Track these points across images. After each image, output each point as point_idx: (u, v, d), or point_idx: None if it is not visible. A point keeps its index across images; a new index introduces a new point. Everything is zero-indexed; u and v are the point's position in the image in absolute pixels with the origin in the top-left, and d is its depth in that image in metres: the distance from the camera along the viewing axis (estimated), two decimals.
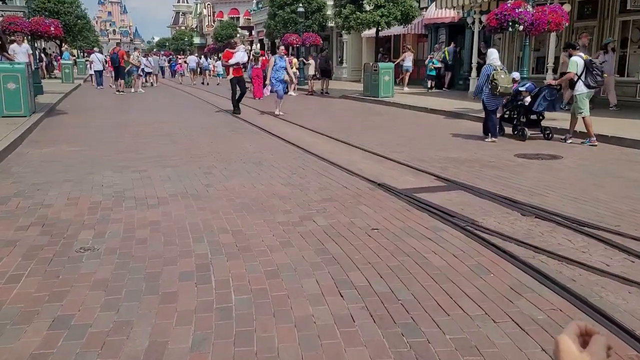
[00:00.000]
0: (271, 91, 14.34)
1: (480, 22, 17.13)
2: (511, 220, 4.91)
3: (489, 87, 9.05)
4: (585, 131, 9.05)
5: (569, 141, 9.21)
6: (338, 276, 3.61)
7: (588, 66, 8.82)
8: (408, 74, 21.60)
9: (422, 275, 3.64)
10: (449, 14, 21.00)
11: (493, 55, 9.30)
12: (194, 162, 7.64)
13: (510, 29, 11.78)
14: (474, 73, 17.27)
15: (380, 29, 18.99)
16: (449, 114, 13.68)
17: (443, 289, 3.42)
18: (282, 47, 15.15)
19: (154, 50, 55.91)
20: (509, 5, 11.64)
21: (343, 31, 21.93)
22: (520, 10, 11.49)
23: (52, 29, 15.59)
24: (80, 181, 6.39)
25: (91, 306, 3.16)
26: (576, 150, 8.70)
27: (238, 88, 13.83)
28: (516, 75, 10.31)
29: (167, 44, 77.91)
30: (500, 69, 9.09)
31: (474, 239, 4.36)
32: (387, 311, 3.11)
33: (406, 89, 20.94)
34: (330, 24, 29.49)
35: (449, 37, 23.05)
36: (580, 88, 8.88)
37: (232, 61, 13.84)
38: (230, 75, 13.96)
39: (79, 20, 30.98)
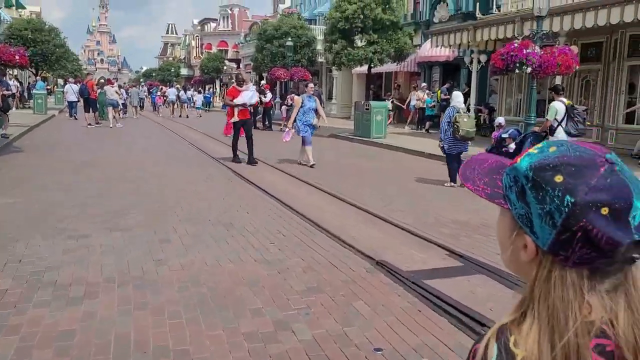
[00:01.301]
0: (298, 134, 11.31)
1: (479, 61, 16.23)
2: None
3: (451, 130, 8.67)
4: None
5: None
6: None
7: (569, 112, 8.36)
8: (411, 113, 20.90)
9: None
10: (443, 53, 20.17)
11: (458, 97, 8.97)
12: (152, 222, 6.27)
13: (517, 71, 10.74)
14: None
15: (372, 65, 17.99)
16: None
17: None
18: (310, 85, 12.11)
19: (132, 82, 55.03)
20: (516, 45, 10.63)
21: (334, 67, 20.93)
22: (528, 51, 10.49)
23: (16, 57, 14.29)
24: None
25: None
26: None
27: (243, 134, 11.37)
28: (501, 120, 9.89)
29: (153, 74, 77.05)
30: (464, 112, 8.80)
31: None
32: None
33: (406, 128, 20.31)
34: (320, 59, 28.71)
35: (443, 76, 22.21)
36: (560, 135, 8.36)
37: (238, 101, 11.20)
38: (235, 118, 11.25)
39: (57, 49, 29.73)
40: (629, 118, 13.60)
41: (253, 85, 11.72)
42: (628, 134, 13.27)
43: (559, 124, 8.39)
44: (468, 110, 17.53)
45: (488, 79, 19.82)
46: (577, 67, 11.15)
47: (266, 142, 16.45)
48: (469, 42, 15.39)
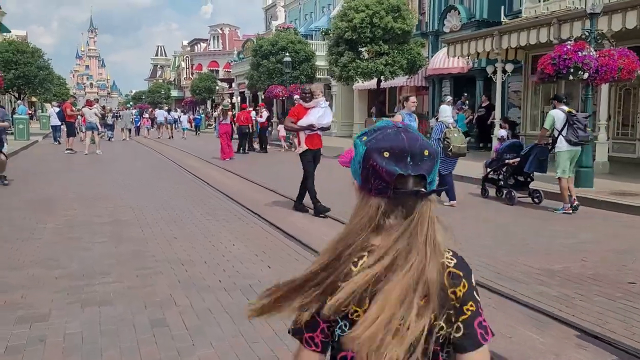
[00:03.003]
0: None
1: (504, 71, 14.67)
2: None
3: (441, 147, 8.14)
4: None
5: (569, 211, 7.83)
6: None
7: (569, 119, 7.86)
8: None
9: None
10: (456, 64, 18.66)
11: (446, 112, 8.50)
12: (138, 292, 4.47)
13: (570, 77, 9.13)
14: (497, 130, 14.65)
15: (384, 79, 16.39)
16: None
17: None
18: (412, 99, 8.61)
19: (121, 106, 53.50)
20: (569, 47, 9.03)
21: (341, 82, 19.27)
22: (584, 53, 8.89)
23: None
24: None
25: None
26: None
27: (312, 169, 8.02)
28: (503, 133, 9.61)
29: (143, 97, 75.36)
30: (454, 127, 8.36)
31: None
32: None
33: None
34: (319, 75, 27.18)
35: (454, 89, 20.68)
36: (561, 144, 7.94)
37: (303, 122, 7.76)
38: (303, 147, 7.87)
39: (40, 72, 27.97)
40: None
41: (323, 99, 8.10)
42: None
43: (560, 132, 7.92)
44: (491, 126, 16.00)
45: (506, 91, 18.32)
46: None
47: (282, 168, 14.79)
48: (493, 49, 13.84)
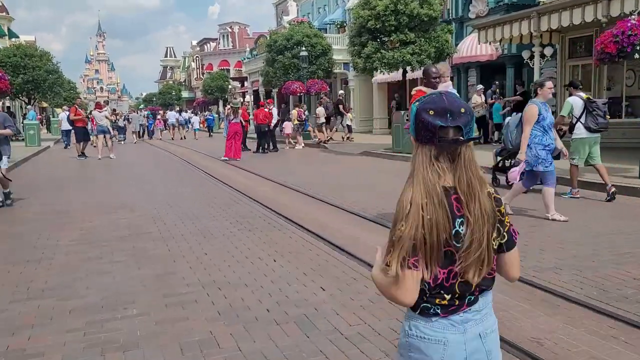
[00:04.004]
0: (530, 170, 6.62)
1: (542, 56, 13.64)
2: None
3: None
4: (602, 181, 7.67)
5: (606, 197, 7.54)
6: None
7: (588, 106, 7.62)
8: None
9: None
10: (484, 51, 17.63)
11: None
12: (170, 329, 3.63)
13: (636, 56, 8.14)
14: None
15: (412, 69, 15.42)
16: None
17: None
18: (548, 84, 6.42)
19: (132, 109, 53.12)
20: (633, 22, 8.04)
21: (365, 74, 18.27)
22: None
23: None
24: None
25: None
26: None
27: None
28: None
29: (154, 99, 74.90)
30: None
31: None
32: None
33: None
34: (336, 69, 26.26)
35: (481, 78, 19.65)
36: (579, 131, 7.69)
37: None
38: None
39: (49, 75, 27.29)
40: None
41: (451, 84, 6.74)
42: None
43: (578, 119, 7.67)
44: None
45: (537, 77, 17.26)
46: None
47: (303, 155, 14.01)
48: (531, 32, 12.81)
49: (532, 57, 13.84)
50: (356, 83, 27.28)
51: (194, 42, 71.91)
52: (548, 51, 13.56)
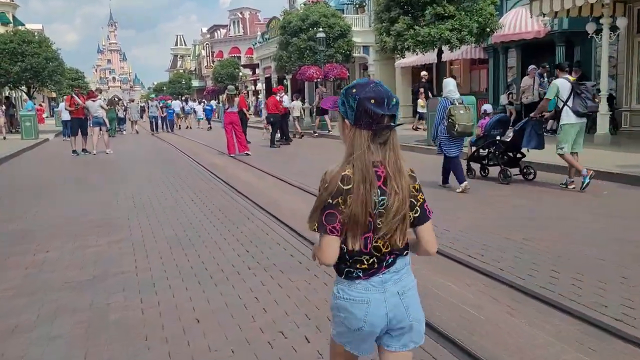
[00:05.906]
0: None
1: (612, 29, 11.41)
2: None
3: (445, 126, 7.42)
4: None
5: (572, 186, 7.35)
6: None
7: (575, 89, 7.26)
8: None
9: None
10: (530, 28, 15.40)
11: (449, 86, 7.69)
12: None
13: None
14: (604, 106, 11.45)
15: (450, 49, 13.26)
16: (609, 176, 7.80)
17: None
18: None
19: (144, 98, 51.47)
20: None
21: (396, 53, 16.02)
22: None
23: None
24: None
25: None
26: None
27: None
28: (488, 107, 9.11)
29: (164, 88, 73.06)
30: (460, 103, 7.41)
31: None
32: None
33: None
34: (356, 52, 24.08)
35: (523, 59, 17.41)
36: (567, 116, 7.30)
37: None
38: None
39: (49, 63, 25.41)
40: None
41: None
42: None
43: (565, 103, 7.30)
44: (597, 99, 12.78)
45: (594, 57, 15.01)
46: None
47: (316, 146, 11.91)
48: (600, 1, 10.59)
49: (597, 32, 11.59)
50: (376, 68, 25.13)
51: (204, 29, 69.87)
52: (621, 22, 11.31)
